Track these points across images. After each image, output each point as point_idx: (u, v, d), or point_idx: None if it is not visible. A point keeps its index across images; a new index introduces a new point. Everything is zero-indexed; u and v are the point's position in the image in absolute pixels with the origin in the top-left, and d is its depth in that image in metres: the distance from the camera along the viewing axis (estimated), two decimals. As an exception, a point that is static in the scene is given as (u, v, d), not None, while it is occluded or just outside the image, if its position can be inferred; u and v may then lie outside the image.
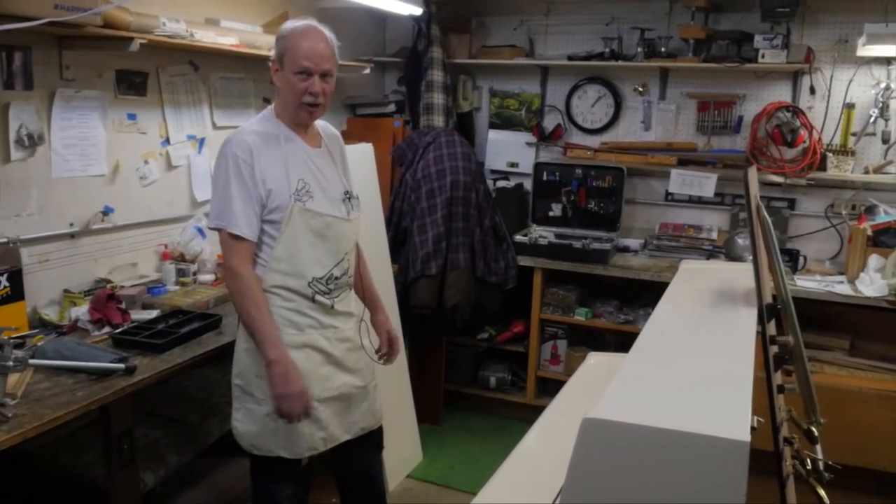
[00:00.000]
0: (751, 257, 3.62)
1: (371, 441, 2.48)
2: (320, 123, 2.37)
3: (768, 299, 1.82)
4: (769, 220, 1.91)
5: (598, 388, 1.35)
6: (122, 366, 2.18)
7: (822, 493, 1.79)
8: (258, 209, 2.13)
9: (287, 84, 2.17)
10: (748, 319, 1.75)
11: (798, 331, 1.82)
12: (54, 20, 2.20)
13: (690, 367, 1.46)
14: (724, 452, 1.10)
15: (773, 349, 1.79)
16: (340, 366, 2.29)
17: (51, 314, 2.65)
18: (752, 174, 1.98)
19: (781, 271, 1.93)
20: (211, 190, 2.18)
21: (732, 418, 1.16)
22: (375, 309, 2.51)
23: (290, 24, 2.20)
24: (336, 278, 2.26)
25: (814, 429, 1.87)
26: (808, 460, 1.81)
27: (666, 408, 1.23)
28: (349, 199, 2.32)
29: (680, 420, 1.15)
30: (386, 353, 2.52)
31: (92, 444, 2.43)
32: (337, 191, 2.29)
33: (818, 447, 1.89)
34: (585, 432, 1.17)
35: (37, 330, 2.53)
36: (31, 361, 2.11)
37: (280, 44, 2.17)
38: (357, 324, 2.38)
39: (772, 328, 1.81)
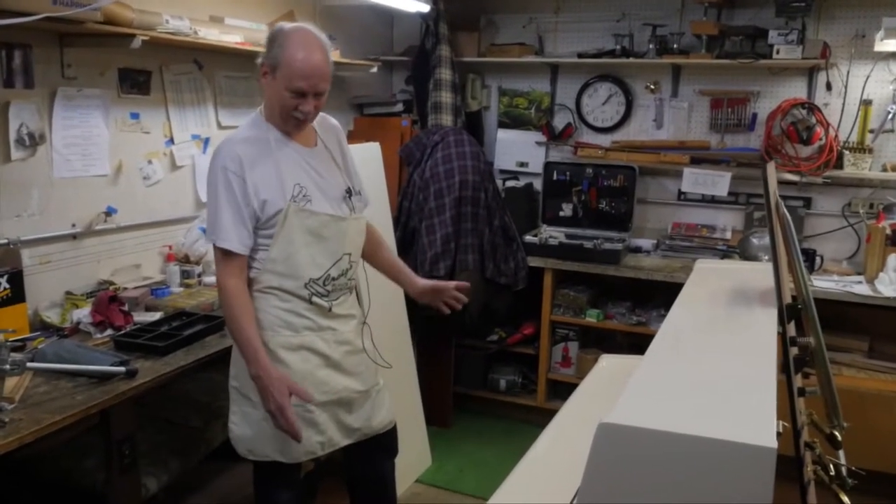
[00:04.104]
0: (766, 257, 3.57)
1: (383, 445, 2.43)
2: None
3: (788, 299, 1.75)
4: (789, 217, 1.84)
5: (612, 392, 1.29)
6: (122, 369, 2.13)
7: (845, 499, 1.73)
8: (251, 223, 2.07)
9: (277, 95, 2.07)
10: (768, 320, 1.68)
11: (819, 332, 1.76)
12: (52, 15, 2.16)
13: (710, 369, 1.40)
14: (750, 460, 1.03)
15: (793, 351, 1.73)
16: (339, 369, 2.23)
17: (52, 316, 2.60)
18: (771, 170, 1.91)
19: (802, 270, 1.86)
20: (206, 202, 2.13)
21: (758, 423, 1.09)
22: (408, 276, 2.49)
23: (285, 29, 2.07)
24: (334, 279, 2.19)
25: (837, 433, 1.81)
26: (832, 466, 1.75)
27: (686, 412, 1.16)
28: (350, 196, 2.25)
29: (702, 425, 1.08)
30: (454, 293, 2.44)
31: (94, 449, 2.38)
32: (337, 189, 2.22)
33: (841, 452, 1.82)
34: (601, 438, 1.11)
35: (38, 332, 2.50)
36: (30, 365, 2.06)
37: (274, 51, 2.05)
38: (358, 326, 2.32)
39: (791, 329, 1.75)
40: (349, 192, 2.25)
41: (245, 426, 2.17)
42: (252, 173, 2.05)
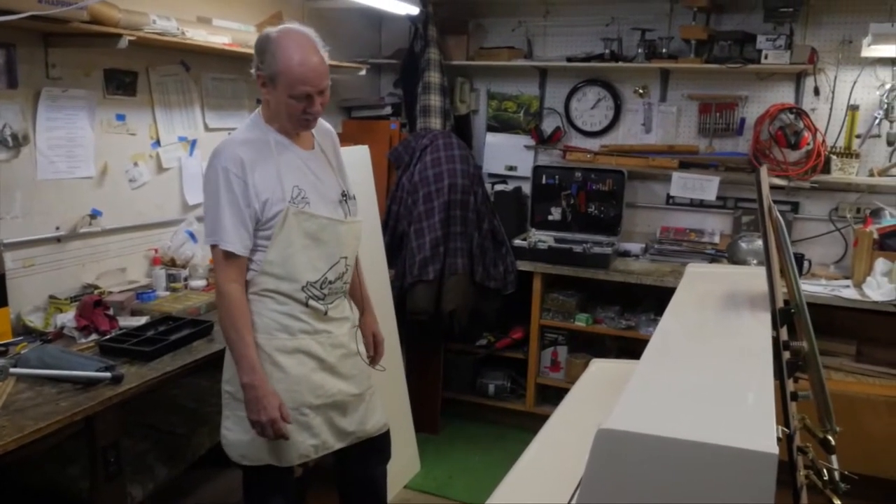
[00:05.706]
0: (754, 261, 3.57)
1: (377, 449, 2.41)
2: None
3: (780, 304, 1.75)
4: (782, 221, 1.84)
5: (604, 397, 1.28)
6: (108, 374, 2.10)
7: (838, 504, 1.72)
8: (251, 224, 2.05)
9: (282, 104, 2.04)
10: (762, 324, 1.67)
11: (812, 336, 1.75)
12: (38, 14, 2.12)
13: (707, 374, 1.39)
14: (751, 466, 1.02)
15: (786, 355, 1.72)
16: (334, 372, 2.22)
17: (35, 321, 2.56)
18: (764, 174, 1.91)
19: (795, 274, 1.86)
20: (203, 203, 2.10)
21: (758, 429, 1.08)
22: (364, 310, 2.45)
23: (272, 35, 2.03)
24: (330, 282, 2.18)
25: (830, 437, 1.80)
26: (825, 470, 1.74)
27: (685, 418, 1.15)
28: (346, 200, 2.24)
29: (702, 431, 1.07)
30: (371, 356, 2.44)
31: (79, 456, 2.34)
32: (333, 193, 2.22)
33: (834, 457, 1.82)
34: (600, 444, 1.09)
35: (21, 337, 2.45)
36: (13, 370, 2.03)
37: (268, 61, 2.01)
38: (352, 329, 2.32)
39: (784, 333, 1.74)
40: (344, 195, 2.24)
41: (240, 431, 2.14)
42: (253, 175, 2.04)
